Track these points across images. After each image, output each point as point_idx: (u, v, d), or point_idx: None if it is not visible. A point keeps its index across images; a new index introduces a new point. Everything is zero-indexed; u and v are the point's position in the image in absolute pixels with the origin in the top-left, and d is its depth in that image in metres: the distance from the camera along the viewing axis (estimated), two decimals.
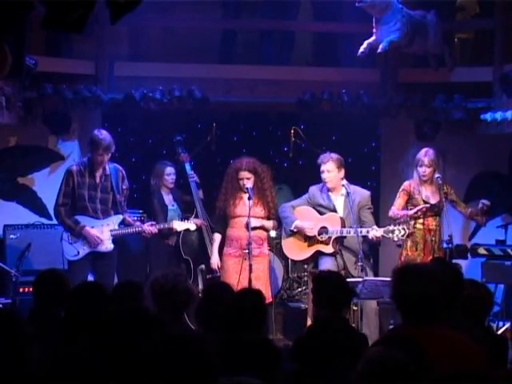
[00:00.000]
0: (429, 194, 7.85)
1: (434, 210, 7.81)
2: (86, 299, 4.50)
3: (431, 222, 7.84)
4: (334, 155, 7.69)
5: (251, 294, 4.54)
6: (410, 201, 7.88)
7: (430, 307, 3.89)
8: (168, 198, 8.38)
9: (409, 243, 7.83)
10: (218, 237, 7.84)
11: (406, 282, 3.96)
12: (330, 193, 7.73)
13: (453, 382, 3.04)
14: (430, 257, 7.58)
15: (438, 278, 4.03)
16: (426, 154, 7.82)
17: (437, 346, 3.73)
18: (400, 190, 7.94)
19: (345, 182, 7.66)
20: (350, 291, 5.15)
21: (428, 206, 7.79)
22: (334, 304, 4.87)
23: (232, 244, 7.69)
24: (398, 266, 4.23)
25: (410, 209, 7.85)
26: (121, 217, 7.58)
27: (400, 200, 7.91)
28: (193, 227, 7.92)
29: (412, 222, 7.80)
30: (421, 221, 7.85)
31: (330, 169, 7.63)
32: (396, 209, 7.86)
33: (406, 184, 7.95)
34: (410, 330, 3.90)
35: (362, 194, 7.70)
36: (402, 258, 7.84)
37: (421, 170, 7.82)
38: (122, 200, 7.59)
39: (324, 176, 7.67)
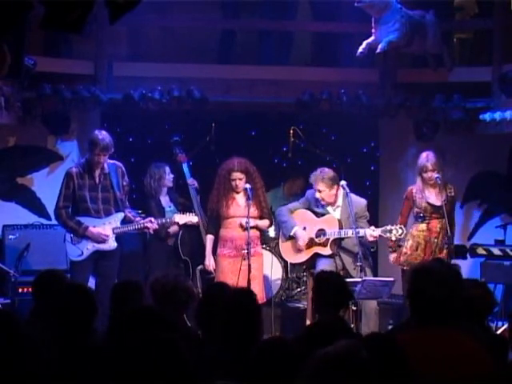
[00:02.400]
0: (433, 197, 7.83)
1: (439, 212, 7.78)
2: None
3: (436, 225, 7.82)
4: (325, 174, 7.61)
5: (243, 296, 4.52)
6: (414, 205, 7.89)
7: (446, 309, 3.86)
8: (165, 200, 8.37)
9: (410, 242, 7.83)
10: (210, 238, 7.83)
11: (429, 283, 3.90)
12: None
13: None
14: (431, 258, 7.57)
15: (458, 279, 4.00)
16: (427, 159, 7.77)
17: (445, 348, 3.72)
18: (403, 197, 7.95)
19: (344, 182, 7.65)
20: (349, 293, 5.15)
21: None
22: (333, 305, 4.88)
23: (226, 245, 7.69)
24: (417, 265, 4.16)
25: (416, 212, 7.86)
26: (122, 214, 7.56)
27: (403, 211, 7.95)
28: (195, 219, 7.92)
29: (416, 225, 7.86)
30: (425, 222, 7.85)
31: (321, 189, 7.63)
32: (400, 220, 7.87)
33: (408, 190, 7.95)
34: (419, 329, 3.88)
35: (358, 204, 7.67)
36: (401, 257, 7.83)
37: (426, 175, 7.76)
38: (122, 197, 7.59)
39: (316, 196, 7.67)
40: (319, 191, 7.63)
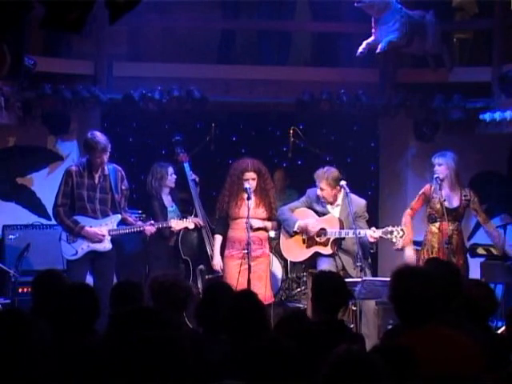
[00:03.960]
0: (449, 198, 7.79)
1: (452, 215, 7.77)
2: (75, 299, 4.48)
3: (447, 227, 7.77)
4: (329, 174, 7.60)
5: (245, 297, 4.52)
6: (428, 203, 7.87)
7: (426, 309, 3.89)
8: (167, 200, 8.36)
9: (425, 247, 7.84)
10: (219, 238, 7.82)
11: (403, 284, 3.95)
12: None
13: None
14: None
15: (434, 279, 4.04)
16: (435, 156, 7.81)
17: (433, 347, 3.73)
18: (420, 192, 7.95)
19: (344, 182, 7.64)
20: (348, 294, 5.15)
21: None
22: (331, 306, 4.87)
23: (234, 246, 7.66)
24: (396, 267, 4.21)
25: (428, 212, 7.86)
26: (119, 216, 7.56)
27: (414, 204, 7.93)
28: (191, 226, 7.93)
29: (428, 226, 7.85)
30: (437, 224, 7.83)
31: (323, 187, 7.64)
32: (409, 212, 7.88)
33: (426, 187, 7.93)
34: (408, 331, 3.90)
35: (358, 203, 7.67)
36: (420, 262, 7.78)
37: (434, 170, 7.79)
38: (120, 200, 7.57)
39: (318, 192, 7.68)
40: (321, 189, 7.64)
